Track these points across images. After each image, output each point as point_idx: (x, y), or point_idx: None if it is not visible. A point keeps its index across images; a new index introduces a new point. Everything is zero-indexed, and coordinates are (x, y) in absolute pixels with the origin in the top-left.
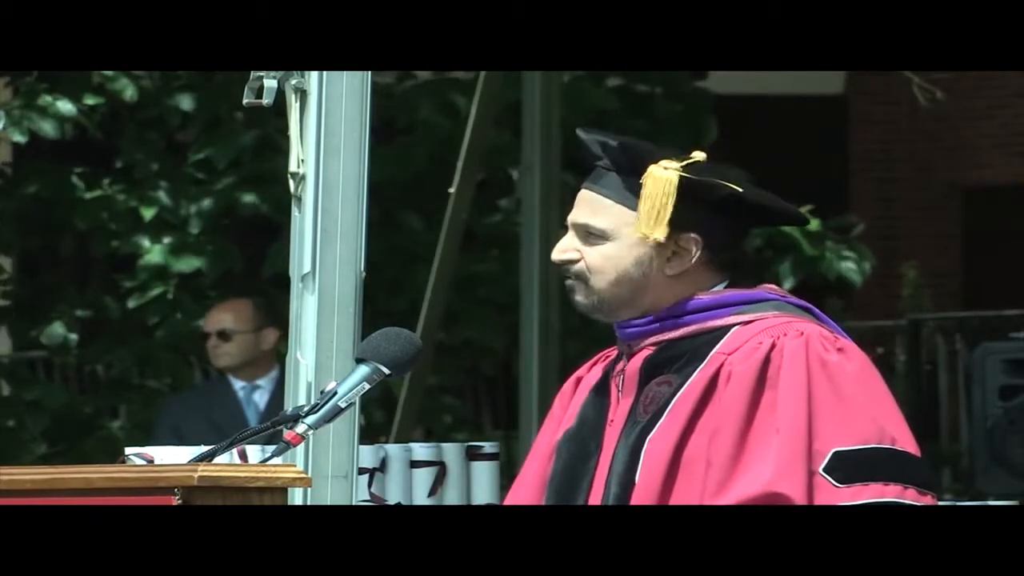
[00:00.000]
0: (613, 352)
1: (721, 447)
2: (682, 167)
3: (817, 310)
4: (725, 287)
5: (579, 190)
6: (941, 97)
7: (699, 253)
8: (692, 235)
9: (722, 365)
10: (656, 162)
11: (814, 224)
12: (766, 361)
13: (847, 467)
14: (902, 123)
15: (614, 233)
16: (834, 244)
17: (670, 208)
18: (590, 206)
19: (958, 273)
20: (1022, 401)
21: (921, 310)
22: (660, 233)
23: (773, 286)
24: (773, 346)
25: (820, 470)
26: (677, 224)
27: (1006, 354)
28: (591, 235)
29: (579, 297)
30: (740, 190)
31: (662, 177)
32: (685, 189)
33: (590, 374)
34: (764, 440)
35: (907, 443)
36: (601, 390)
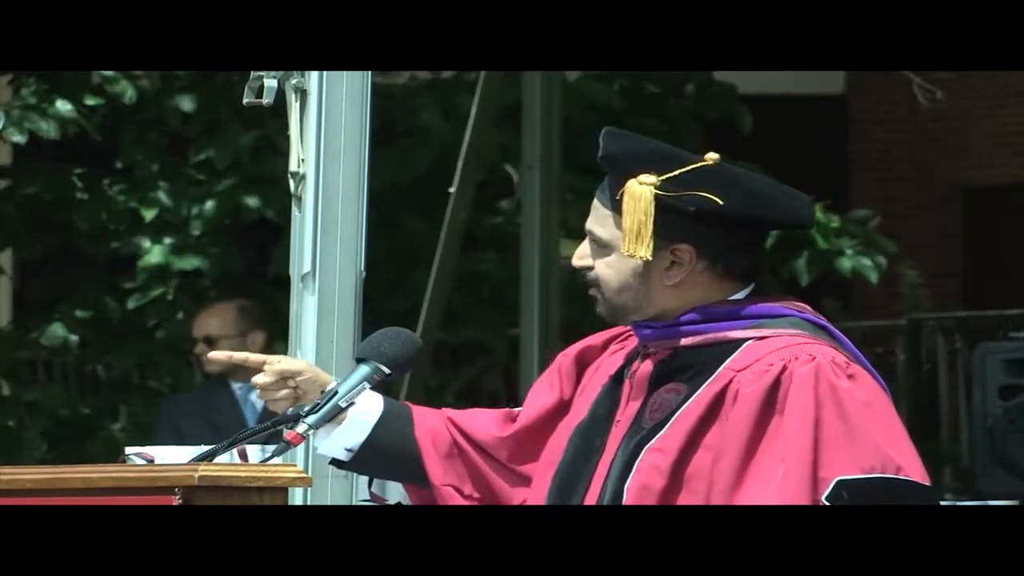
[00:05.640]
0: (628, 339)
1: (724, 470)
2: (661, 180)
3: (835, 330)
4: (748, 295)
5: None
6: (941, 97)
7: (696, 263)
8: (685, 245)
9: (730, 382)
10: (636, 175)
11: (831, 220)
12: (775, 385)
13: (850, 497)
14: (902, 123)
15: (613, 243)
16: (851, 239)
17: (651, 226)
18: (595, 213)
19: (958, 273)
20: (1022, 401)
21: (920, 310)
22: (645, 252)
23: (798, 302)
24: (784, 369)
25: (823, 499)
26: (669, 235)
27: (1006, 354)
28: (596, 244)
29: (597, 304)
30: (720, 202)
31: (636, 193)
32: (667, 201)
33: (610, 360)
34: (767, 467)
35: (914, 471)
36: (614, 386)
